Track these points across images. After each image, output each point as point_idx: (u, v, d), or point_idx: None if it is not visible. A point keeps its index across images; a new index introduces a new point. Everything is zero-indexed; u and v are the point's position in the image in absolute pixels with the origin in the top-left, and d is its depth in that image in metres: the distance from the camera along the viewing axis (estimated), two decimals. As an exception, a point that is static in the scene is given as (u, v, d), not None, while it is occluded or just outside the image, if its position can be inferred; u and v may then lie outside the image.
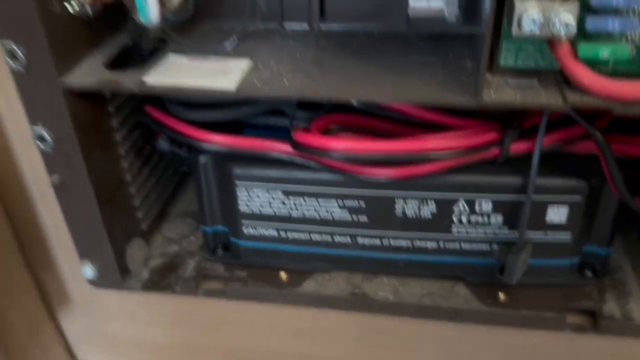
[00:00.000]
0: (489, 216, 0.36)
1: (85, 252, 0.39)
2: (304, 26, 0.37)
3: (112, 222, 0.38)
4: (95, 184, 0.35)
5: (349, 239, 0.38)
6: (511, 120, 0.34)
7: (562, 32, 0.27)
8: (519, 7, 0.27)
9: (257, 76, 0.32)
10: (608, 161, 0.32)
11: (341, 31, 0.36)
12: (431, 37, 0.35)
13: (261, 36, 0.36)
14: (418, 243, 0.38)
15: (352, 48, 0.35)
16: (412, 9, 0.34)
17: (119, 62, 0.34)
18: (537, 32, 0.27)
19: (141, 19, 0.30)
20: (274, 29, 0.37)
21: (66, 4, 0.31)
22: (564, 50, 0.28)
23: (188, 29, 0.37)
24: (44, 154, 0.34)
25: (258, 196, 0.37)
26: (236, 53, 0.34)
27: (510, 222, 0.36)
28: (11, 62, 0.31)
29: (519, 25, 0.27)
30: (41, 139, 0.34)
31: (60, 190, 0.36)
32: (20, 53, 0.30)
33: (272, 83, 0.31)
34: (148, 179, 0.43)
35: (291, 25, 0.37)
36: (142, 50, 0.33)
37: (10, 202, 0.38)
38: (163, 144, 0.41)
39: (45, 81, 0.31)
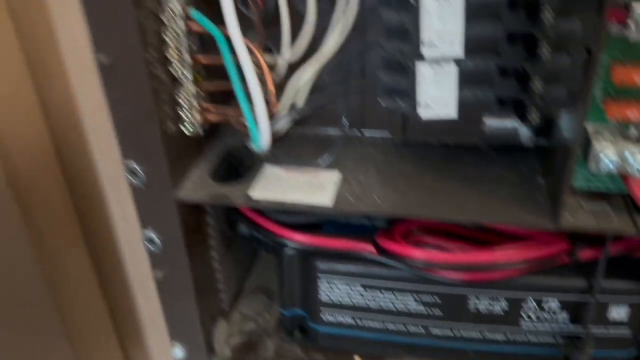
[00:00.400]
0: (555, 313, 0.39)
1: (176, 334, 0.42)
2: (384, 134, 0.40)
3: (203, 307, 0.42)
4: (193, 277, 0.39)
5: (422, 329, 0.41)
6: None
7: (637, 171, 0.30)
8: (595, 146, 0.30)
9: (349, 191, 0.35)
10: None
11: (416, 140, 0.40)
12: (502, 147, 0.38)
13: (343, 142, 0.40)
14: (488, 335, 0.40)
15: (430, 160, 0.38)
16: (487, 127, 0.37)
17: (222, 172, 0.37)
18: (613, 170, 0.30)
19: (253, 146, 0.33)
20: (354, 136, 0.40)
21: (181, 126, 0.35)
22: (636, 184, 0.31)
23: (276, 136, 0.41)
24: (151, 253, 0.38)
25: (338, 288, 0.41)
26: (326, 162, 0.38)
27: (575, 318, 0.39)
28: (131, 179, 0.35)
29: (596, 162, 0.30)
30: (150, 241, 0.37)
31: (162, 283, 0.39)
32: (140, 171, 0.34)
33: (364, 199, 0.35)
34: (230, 261, 0.46)
35: (371, 133, 0.40)
36: (245, 164, 0.37)
37: (112, 292, 0.41)
38: (244, 230, 0.45)
39: (161, 194, 0.35)
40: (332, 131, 0.41)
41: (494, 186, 0.35)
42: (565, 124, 0.31)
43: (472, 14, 0.25)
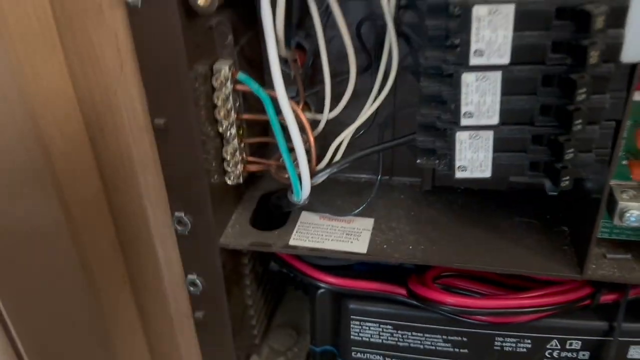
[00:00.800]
0: (577, 352, 0.41)
1: (213, 372, 0.44)
2: (413, 180, 0.42)
3: (238, 343, 0.43)
4: (231, 315, 0.41)
5: (449, 367, 0.43)
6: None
7: (660, 227, 0.32)
8: (621, 204, 0.32)
9: (381, 238, 0.37)
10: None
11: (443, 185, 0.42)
12: (526, 193, 0.40)
13: (373, 187, 0.42)
14: (512, 373, 0.42)
15: (458, 205, 0.40)
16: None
17: (260, 218, 0.39)
18: (636, 224, 0.32)
19: (294, 198, 0.35)
20: (384, 181, 0.42)
21: (225, 178, 0.37)
22: (659, 238, 0.33)
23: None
24: (192, 295, 0.40)
25: (370, 328, 0.42)
26: (358, 208, 0.40)
27: (596, 357, 0.41)
28: (178, 227, 0.37)
29: (621, 217, 0.32)
30: (192, 284, 0.39)
31: (202, 323, 0.41)
32: (187, 220, 0.36)
33: (397, 246, 0.37)
34: (262, 297, 0.48)
35: (400, 179, 0.42)
36: (282, 210, 0.39)
37: (154, 333, 0.43)
38: (274, 266, 0.47)
39: (205, 242, 0.37)
40: (364, 177, 0.43)
41: (520, 234, 0.37)
42: (591, 180, 0.33)
43: (509, 89, 0.27)
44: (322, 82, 0.35)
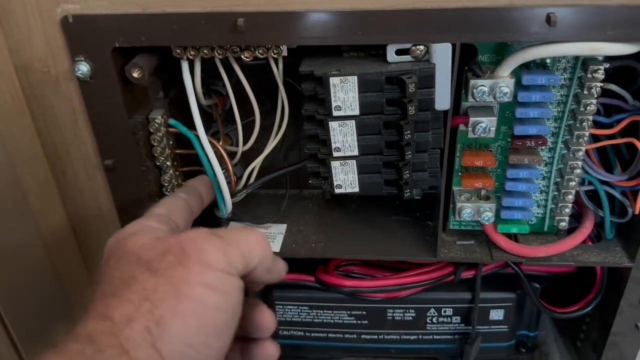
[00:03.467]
0: (450, 318, 0.53)
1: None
2: (319, 191, 0.53)
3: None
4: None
5: (355, 335, 0.54)
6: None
7: (487, 221, 0.43)
8: (459, 204, 0.44)
9: (292, 239, 0.48)
10: (524, 282, 0.49)
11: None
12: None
13: (290, 199, 0.52)
14: (403, 337, 0.54)
15: (352, 209, 0.51)
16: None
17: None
18: (471, 219, 0.44)
19: (219, 213, 0.46)
20: (297, 193, 0.53)
21: (164, 200, 0.47)
22: (489, 228, 0.45)
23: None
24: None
25: (291, 310, 0.53)
26: (275, 216, 0.50)
27: (466, 321, 0.53)
28: (129, 241, 0.46)
29: (459, 214, 0.44)
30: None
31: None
32: (136, 235, 0.46)
33: (304, 245, 0.47)
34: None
35: (309, 191, 0.53)
36: (214, 224, 0.49)
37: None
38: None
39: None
40: (281, 191, 0.53)
41: (396, 229, 0.49)
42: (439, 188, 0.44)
43: (362, 131, 0.38)
44: (243, 118, 0.45)
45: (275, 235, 0.48)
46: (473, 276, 0.50)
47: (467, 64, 0.39)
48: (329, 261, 0.51)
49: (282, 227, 0.49)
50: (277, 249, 0.47)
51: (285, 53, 0.39)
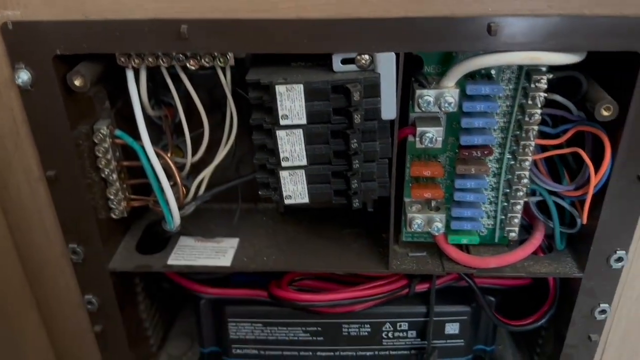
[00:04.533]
0: (406, 332, 0.52)
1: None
2: (273, 205, 0.52)
3: (135, 352, 0.52)
4: (126, 329, 0.49)
5: (310, 353, 0.53)
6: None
7: (437, 231, 0.43)
8: (409, 215, 0.43)
9: (245, 253, 0.47)
10: (477, 295, 0.49)
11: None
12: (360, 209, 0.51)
13: (244, 213, 0.51)
14: (360, 353, 0.53)
15: (306, 222, 0.51)
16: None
17: (144, 245, 0.48)
18: (422, 230, 0.44)
19: (167, 226, 0.44)
20: (252, 207, 0.52)
21: (111, 213, 0.45)
22: (440, 239, 0.44)
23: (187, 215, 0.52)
24: (90, 312, 0.48)
25: (244, 327, 0.52)
26: (228, 231, 0.49)
27: (421, 335, 0.52)
28: (73, 257, 0.45)
29: (410, 225, 0.44)
30: (89, 303, 0.47)
31: (101, 337, 0.49)
32: (80, 250, 0.44)
33: (255, 258, 0.46)
34: (157, 312, 0.56)
35: (264, 205, 0.52)
36: (165, 237, 0.48)
37: (61, 348, 0.51)
38: (167, 285, 0.56)
39: (96, 267, 0.45)
40: (235, 206, 0.53)
41: (349, 241, 0.48)
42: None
43: (310, 140, 0.38)
44: (194, 130, 0.44)
45: (226, 249, 0.47)
46: (427, 289, 0.50)
47: (413, 75, 0.39)
48: (282, 276, 0.50)
49: (234, 241, 0.48)
50: (228, 263, 0.46)
51: (232, 62, 0.39)
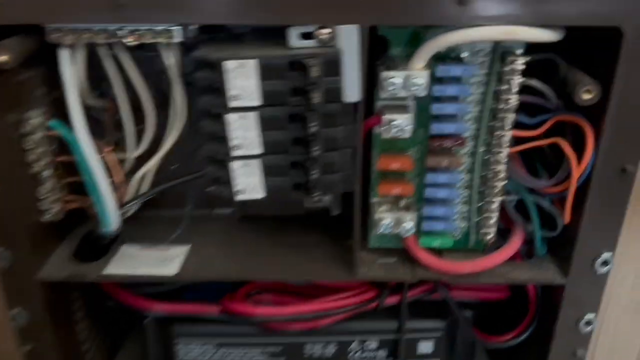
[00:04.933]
0: (375, 351, 0.47)
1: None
2: (228, 211, 0.48)
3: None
4: (61, 351, 0.43)
5: (270, 377, 0.48)
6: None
7: (407, 232, 0.39)
8: (376, 216, 0.39)
9: (194, 261, 0.42)
10: (452, 306, 0.45)
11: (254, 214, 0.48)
12: (320, 215, 0.46)
13: (197, 220, 0.47)
14: (324, 375, 0.48)
15: (266, 229, 0.46)
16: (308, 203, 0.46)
17: (82, 252, 0.43)
18: (391, 231, 0.39)
19: (103, 229, 0.39)
20: (207, 214, 0.48)
21: (43, 215, 0.40)
22: (411, 243, 0.40)
23: (137, 218, 0.47)
24: (18, 329, 0.42)
25: (194, 349, 0.46)
26: (178, 238, 0.44)
27: (393, 354, 0.47)
28: (-1, 263, 0.39)
29: (377, 226, 0.39)
30: (17, 317, 0.41)
31: (30, 358, 0.43)
32: (6, 255, 0.39)
33: (206, 267, 0.41)
34: (100, 331, 0.50)
35: (221, 211, 0.48)
36: (101, 243, 0.43)
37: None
38: (111, 303, 0.50)
39: (25, 275, 0.40)
40: (187, 211, 0.48)
41: (312, 249, 0.44)
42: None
43: (265, 125, 0.34)
44: (141, 123, 0.40)
45: (173, 257, 0.42)
46: (398, 302, 0.46)
47: (379, 59, 0.36)
48: (238, 289, 0.45)
49: (184, 249, 0.43)
50: (173, 272, 0.41)
51: (178, 39, 0.35)
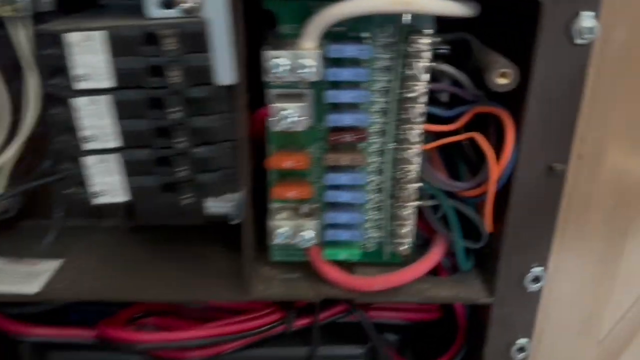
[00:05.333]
0: (286, 382, 0.41)
1: None
2: (117, 222, 0.42)
3: None
4: None
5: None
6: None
7: (307, 242, 0.34)
8: (272, 223, 0.34)
9: (64, 278, 0.36)
10: (369, 330, 0.39)
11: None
12: (221, 224, 0.40)
13: (80, 231, 0.41)
14: (227, 411, 0.41)
15: (158, 242, 0.40)
16: (205, 209, 0.40)
17: None
18: (290, 242, 0.34)
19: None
20: (93, 225, 0.42)
21: None
22: (314, 256, 0.35)
23: (8, 227, 0.40)
24: None
25: (74, 380, 0.40)
26: (52, 252, 0.38)
27: (306, 386, 0.41)
28: None
29: (273, 235, 0.34)
30: None
31: None
32: None
33: (77, 285, 0.35)
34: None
35: (107, 222, 0.42)
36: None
37: None
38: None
39: None
40: (79, 222, 0.42)
41: (206, 264, 0.38)
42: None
43: (122, 112, 0.28)
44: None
45: (41, 273, 0.36)
46: (309, 325, 0.40)
47: (265, 37, 0.31)
48: (118, 312, 0.39)
49: (55, 264, 0.37)
50: (34, 291, 0.34)
51: (28, 12, 0.29)
